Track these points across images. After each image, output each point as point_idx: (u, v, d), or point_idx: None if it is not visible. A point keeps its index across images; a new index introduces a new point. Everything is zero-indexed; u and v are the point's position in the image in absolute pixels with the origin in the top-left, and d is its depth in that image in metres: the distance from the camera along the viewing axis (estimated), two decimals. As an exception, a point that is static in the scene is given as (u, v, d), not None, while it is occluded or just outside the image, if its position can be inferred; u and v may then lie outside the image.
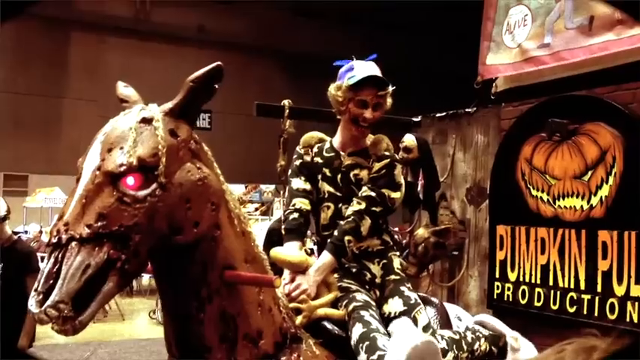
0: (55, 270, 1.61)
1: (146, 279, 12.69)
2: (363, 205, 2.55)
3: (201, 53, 17.74)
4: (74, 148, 18.51)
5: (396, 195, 2.62)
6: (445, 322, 2.85)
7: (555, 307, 4.68)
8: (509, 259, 5.10)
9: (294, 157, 2.83)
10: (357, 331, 2.39)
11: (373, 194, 2.58)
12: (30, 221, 14.88)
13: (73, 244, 1.63)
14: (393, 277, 2.68)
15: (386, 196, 2.59)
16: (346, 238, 2.52)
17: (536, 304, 4.83)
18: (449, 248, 5.77)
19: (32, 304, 1.59)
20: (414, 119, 6.36)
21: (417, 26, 16.24)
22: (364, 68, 2.65)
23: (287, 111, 5.21)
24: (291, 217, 2.65)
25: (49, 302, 1.57)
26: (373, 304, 2.57)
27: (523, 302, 4.94)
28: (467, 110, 5.93)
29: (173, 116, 1.87)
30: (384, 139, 2.73)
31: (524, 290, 4.95)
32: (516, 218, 5.05)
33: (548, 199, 4.80)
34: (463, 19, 7.88)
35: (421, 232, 5.26)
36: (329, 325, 2.48)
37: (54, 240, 1.65)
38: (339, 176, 2.70)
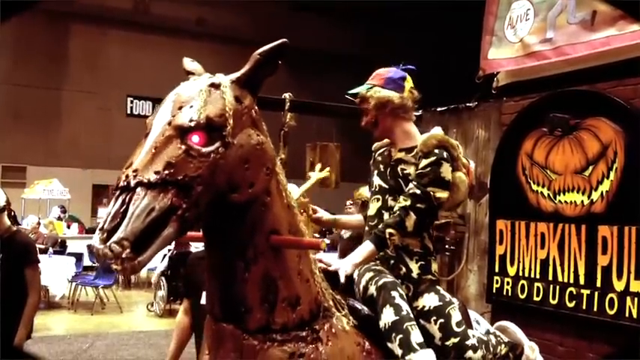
0: (121, 210, 1.70)
1: (144, 272, 12.69)
2: (408, 202, 2.58)
3: (201, 46, 17.70)
4: (73, 140, 18.60)
5: (443, 194, 2.61)
6: (468, 324, 2.86)
7: (554, 302, 4.68)
8: (508, 254, 5.10)
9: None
10: (387, 315, 2.45)
11: (418, 192, 2.59)
12: (28, 213, 14.86)
13: (140, 189, 1.72)
14: (430, 276, 2.71)
15: (431, 195, 2.59)
16: (388, 230, 2.55)
17: (536, 298, 4.83)
18: (448, 242, 5.78)
19: (96, 241, 1.67)
20: (415, 113, 6.32)
21: (417, 21, 16.21)
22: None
23: (288, 104, 5.20)
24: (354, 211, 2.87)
25: (114, 238, 1.65)
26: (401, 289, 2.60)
27: (522, 297, 4.94)
28: (468, 105, 5.92)
29: (239, 84, 2.00)
30: (435, 137, 2.68)
31: (523, 285, 4.95)
32: (516, 213, 5.05)
33: (548, 194, 4.79)
34: (464, 13, 7.87)
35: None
36: (358, 305, 2.53)
37: (122, 183, 1.75)
38: (388, 170, 2.76)
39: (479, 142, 5.83)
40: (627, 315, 4.17)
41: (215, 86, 1.95)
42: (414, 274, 2.67)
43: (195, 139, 1.82)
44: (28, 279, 4.08)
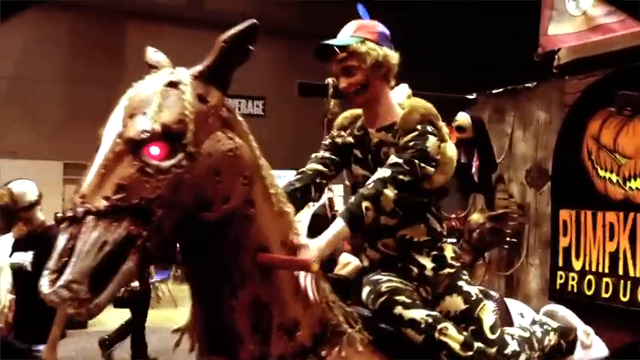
0: (69, 246, 1.47)
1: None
2: (387, 173, 2.12)
3: (258, 39, 17.61)
4: (130, 136, 18.84)
5: (430, 168, 2.19)
6: (506, 319, 2.54)
7: (626, 299, 4.32)
8: (573, 246, 4.75)
9: (323, 140, 2.53)
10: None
11: (400, 160, 2.15)
12: (88, 209, 15.13)
13: (90, 218, 1.48)
14: (447, 270, 2.31)
15: (416, 165, 2.15)
16: (364, 204, 2.04)
17: (604, 295, 4.48)
18: (506, 235, 5.40)
19: (44, 284, 1.45)
20: (469, 97, 5.99)
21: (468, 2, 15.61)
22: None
23: (331, 90, 4.93)
24: (290, 182, 2.33)
25: (61, 282, 1.44)
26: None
27: (589, 293, 4.59)
28: (526, 85, 5.52)
29: (203, 80, 1.71)
30: (417, 109, 2.28)
31: (590, 280, 4.59)
32: (582, 201, 4.70)
33: (617, 180, 4.44)
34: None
35: (476, 217, 4.92)
36: (372, 318, 2.19)
37: (69, 214, 1.50)
38: (369, 156, 2.36)
39: (539, 126, 5.43)
40: None
41: (172, 85, 1.66)
42: (429, 272, 2.29)
43: (153, 150, 1.56)
44: None
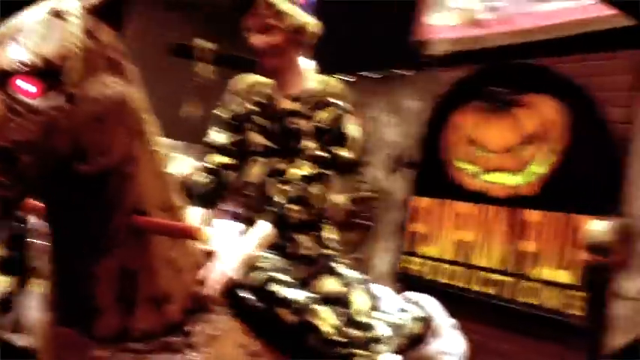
0: None
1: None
2: (312, 169, 2.06)
3: None
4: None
5: (348, 154, 2.11)
6: (375, 304, 2.43)
7: (475, 288, 4.40)
8: (425, 234, 4.79)
9: (219, 105, 2.31)
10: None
11: (324, 154, 2.07)
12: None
13: None
14: (324, 251, 2.22)
15: (336, 156, 2.08)
16: (292, 206, 2.01)
17: (454, 283, 4.55)
18: (361, 217, 5.40)
19: None
20: (344, 78, 5.87)
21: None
22: None
23: (198, 52, 4.61)
24: (196, 180, 2.17)
25: None
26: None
27: (438, 280, 4.63)
28: (400, 72, 5.51)
29: (95, 14, 1.52)
30: (331, 84, 2.16)
31: (440, 268, 4.65)
32: (438, 190, 4.78)
33: (475, 173, 4.51)
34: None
35: (333, 199, 4.83)
36: (244, 294, 1.99)
37: None
38: (273, 125, 2.18)
39: (406, 113, 5.44)
40: (550, 305, 3.93)
41: (58, 15, 1.46)
42: (305, 251, 2.18)
43: (26, 85, 1.37)
44: None
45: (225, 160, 2.20)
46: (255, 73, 2.25)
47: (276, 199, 2.05)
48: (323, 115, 2.10)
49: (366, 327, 2.12)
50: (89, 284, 1.58)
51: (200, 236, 1.66)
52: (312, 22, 2.16)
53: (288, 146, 2.14)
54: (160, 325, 1.65)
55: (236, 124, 2.22)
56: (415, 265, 4.82)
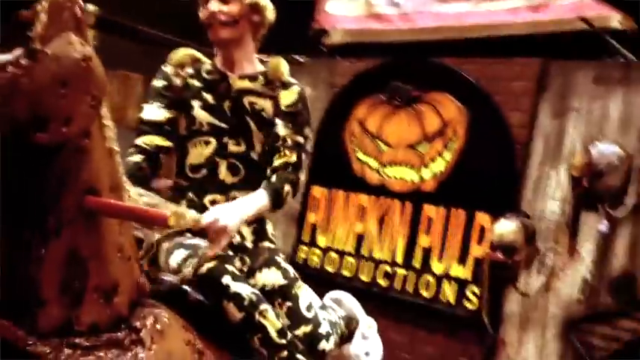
0: None
1: None
2: (294, 156, 2.15)
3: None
4: None
5: (311, 135, 2.25)
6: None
7: (366, 279, 4.45)
8: (321, 224, 4.77)
9: (156, 78, 2.20)
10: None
11: (301, 140, 2.17)
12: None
13: None
14: (267, 244, 2.24)
15: (308, 139, 2.22)
16: (287, 188, 2.10)
17: (346, 273, 4.57)
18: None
19: None
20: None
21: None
22: None
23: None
24: (133, 160, 2.06)
25: None
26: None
27: (331, 270, 4.65)
28: (295, 58, 5.41)
29: None
30: (278, 60, 2.25)
31: (333, 258, 4.66)
32: (337, 181, 4.75)
33: (376, 166, 4.54)
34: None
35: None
36: (186, 288, 1.92)
37: None
38: (226, 104, 2.15)
39: (304, 101, 5.38)
40: (444, 300, 4.07)
41: None
42: (249, 243, 2.18)
43: None
44: None
45: (160, 141, 2.11)
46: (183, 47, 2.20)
47: (274, 179, 2.09)
48: (289, 96, 2.15)
49: (309, 321, 2.14)
50: (33, 270, 1.44)
51: (170, 222, 1.54)
52: (269, 8, 2.18)
53: (244, 126, 2.12)
54: (107, 319, 1.54)
55: (175, 99, 2.14)
56: (310, 255, 4.78)
